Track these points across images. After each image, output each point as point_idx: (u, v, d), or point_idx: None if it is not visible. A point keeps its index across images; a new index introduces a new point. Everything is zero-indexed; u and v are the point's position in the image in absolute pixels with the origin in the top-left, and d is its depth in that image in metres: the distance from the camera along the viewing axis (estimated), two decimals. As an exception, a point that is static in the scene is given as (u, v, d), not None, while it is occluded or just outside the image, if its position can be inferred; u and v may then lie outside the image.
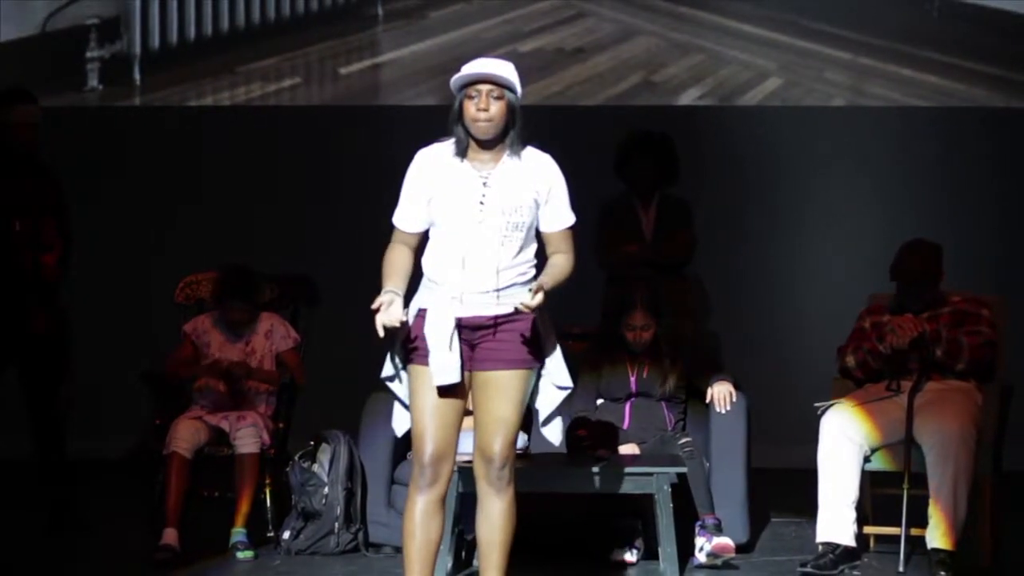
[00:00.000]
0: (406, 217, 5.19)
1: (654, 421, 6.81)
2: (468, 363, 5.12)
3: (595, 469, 6.26)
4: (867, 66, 9.58)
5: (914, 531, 6.24)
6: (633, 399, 6.85)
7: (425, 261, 5.19)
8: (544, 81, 9.59)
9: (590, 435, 6.65)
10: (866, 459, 6.38)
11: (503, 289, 5.09)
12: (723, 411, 6.78)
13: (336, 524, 6.75)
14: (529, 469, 6.03)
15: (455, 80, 5.10)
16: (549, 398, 5.25)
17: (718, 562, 6.44)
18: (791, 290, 9.39)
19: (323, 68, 9.85)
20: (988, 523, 6.43)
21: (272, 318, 7.24)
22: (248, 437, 6.88)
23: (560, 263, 5.18)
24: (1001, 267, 9.01)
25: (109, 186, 9.52)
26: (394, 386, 5.24)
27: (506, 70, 5.09)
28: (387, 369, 5.23)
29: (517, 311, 5.03)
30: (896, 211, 9.19)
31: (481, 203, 5.09)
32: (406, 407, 5.22)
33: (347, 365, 8.51)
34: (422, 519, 5.09)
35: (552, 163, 5.20)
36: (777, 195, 9.48)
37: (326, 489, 6.77)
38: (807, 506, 6.47)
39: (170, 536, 6.69)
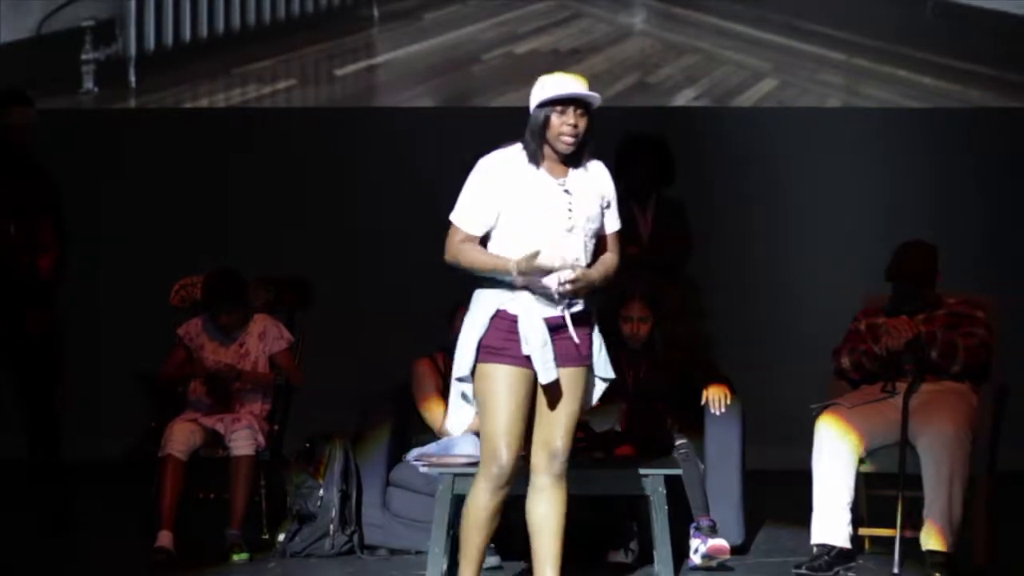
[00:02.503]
0: (474, 220, 5.29)
1: (650, 423, 6.80)
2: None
3: (590, 471, 6.26)
4: (862, 67, 9.59)
5: (909, 533, 6.23)
6: (629, 400, 6.84)
7: None
8: (540, 83, 9.57)
9: (586, 437, 6.65)
10: (861, 460, 6.38)
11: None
12: (718, 413, 6.78)
13: (331, 526, 6.75)
14: (525, 472, 6.02)
15: (543, 96, 5.24)
16: (596, 390, 5.48)
17: (713, 564, 6.44)
18: (786, 291, 9.38)
19: (318, 70, 9.84)
20: (983, 524, 6.43)
21: (265, 320, 7.24)
22: (243, 439, 6.88)
23: (610, 260, 5.40)
24: (996, 268, 9.00)
25: (105, 188, 9.52)
26: (465, 386, 5.34)
27: (587, 88, 5.26)
28: (462, 368, 5.32)
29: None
30: (891, 212, 9.18)
31: (570, 210, 5.26)
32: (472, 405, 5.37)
33: (343, 367, 8.53)
34: (488, 520, 5.33)
35: (607, 170, 5.41)
36: (772, 196, 9.48)
37: (321, 491, 6.77)
38: (802, 508, 6.47)
39: (165, 538, 6.69)
